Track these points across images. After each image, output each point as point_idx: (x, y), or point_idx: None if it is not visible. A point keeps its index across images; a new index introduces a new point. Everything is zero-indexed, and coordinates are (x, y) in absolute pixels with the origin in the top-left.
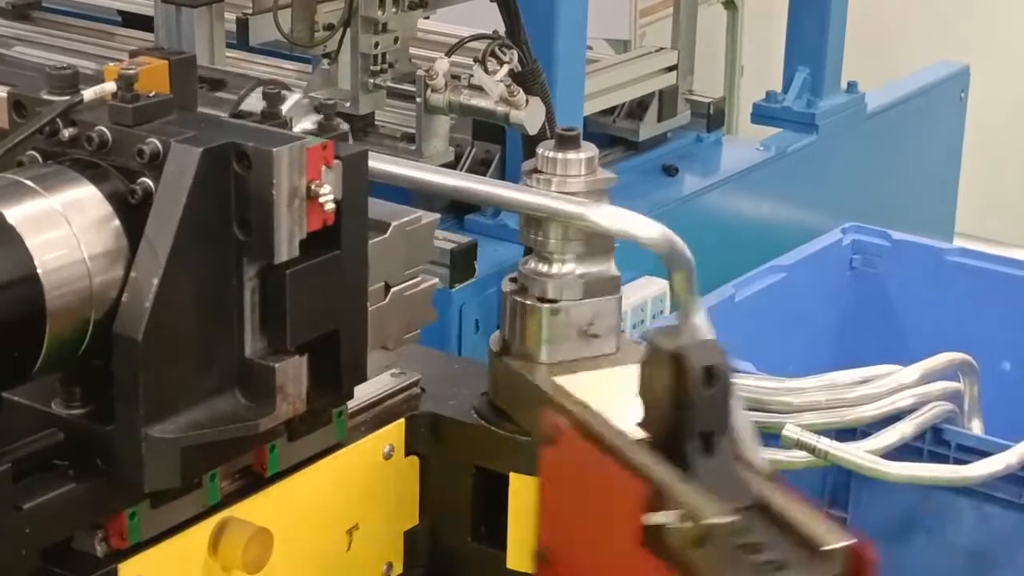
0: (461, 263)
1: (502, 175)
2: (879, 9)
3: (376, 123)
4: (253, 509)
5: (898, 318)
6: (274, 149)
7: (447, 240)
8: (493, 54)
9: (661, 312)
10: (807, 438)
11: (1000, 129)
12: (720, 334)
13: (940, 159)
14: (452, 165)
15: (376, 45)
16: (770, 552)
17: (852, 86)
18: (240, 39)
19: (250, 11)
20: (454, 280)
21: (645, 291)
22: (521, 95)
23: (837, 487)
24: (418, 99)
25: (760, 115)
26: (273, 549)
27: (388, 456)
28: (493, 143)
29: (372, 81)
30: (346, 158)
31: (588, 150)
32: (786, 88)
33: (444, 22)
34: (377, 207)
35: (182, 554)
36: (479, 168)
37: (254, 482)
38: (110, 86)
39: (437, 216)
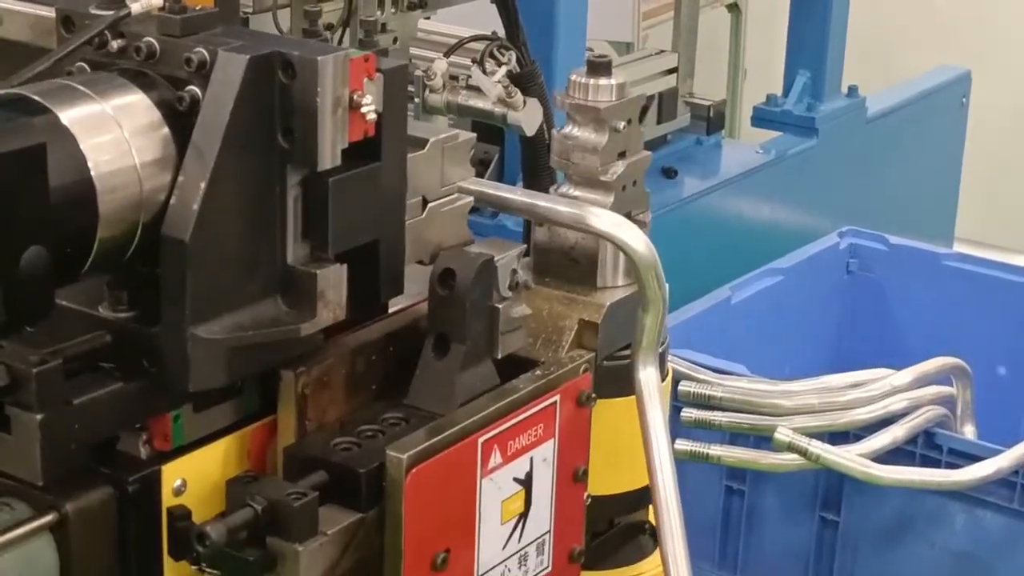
0: None
1: (500, 176)
2: (881, 13)
3: None
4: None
5: (894, 322)
6: (319, 58)
7: None
8: (492, 55)
9: None
10: (799, 441)
11: (1001, 135)
12: (716, 336)
13: (941, 164)
14: None
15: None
16: None
17: (853, 90)
18: None
19: (250, 10)
20: None
21: None
22: (519, 96)
23: (829, 490)
24: (416, 99)
25: (760, 118)
26: None
27: None
28: (491, 144)
29: None
30: (387, 71)
31: (619, 76)
32: (787, 91)
33: (443, 23)
34: (415, 125)
35: (223, 458)
36: (477, 169)
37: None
38: (157, 0)
39: (474, 136)
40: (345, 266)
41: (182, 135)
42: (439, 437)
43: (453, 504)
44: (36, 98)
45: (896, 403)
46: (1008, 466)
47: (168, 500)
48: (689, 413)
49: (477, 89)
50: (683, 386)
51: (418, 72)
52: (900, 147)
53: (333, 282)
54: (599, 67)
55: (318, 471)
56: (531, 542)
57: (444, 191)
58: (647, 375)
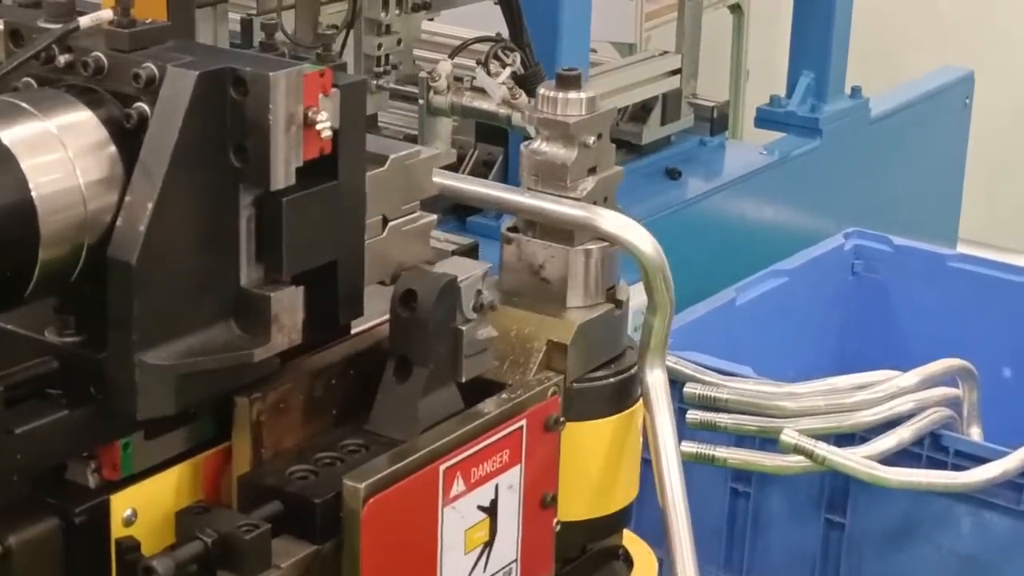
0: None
1: (504, 177)
2: (884, 14)
3: (379, 124)
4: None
5: (899, 323)
6: (271, 74)
7: (448, 241)
8: (496, 56)
9: None
10: (805, 443)
11: (1004, 135)
12: (721, 337)
13: (944, 165)
14: (455, 167)
15: (379, 47)
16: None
17: (856, 91)
18: (244, 40)
19: (254, 12)
20: None
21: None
22: (523, 97)
23: (835, 492)
24: (421, 101)
25: (764, 119)
26: None
27: None
28: (496, 145)
29: (375, 83)
30: (344, 87)
31: (589, 90)
32: (790, 92)
33: (447, 24)
34: (375, 142)
35: (175, 487)
36: (481, 170)
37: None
38: (107, 13)
39: (438, 152)
40: (301, 288)
41: (130, 153)
42: (398, 465)
43: (413, 535)
44: None
45: (902, 405)
46: (1015, 468)
47: (118, 531)
48: (694, 415)
49: (481, 90)
50: (688, 388)
51: (422, 74)
52: (904, 148)
53: (288, 305)
54: (569, 80)
55: (273, 501)
56: (497, 571)
57: (405, 209)
58: (655, 378)
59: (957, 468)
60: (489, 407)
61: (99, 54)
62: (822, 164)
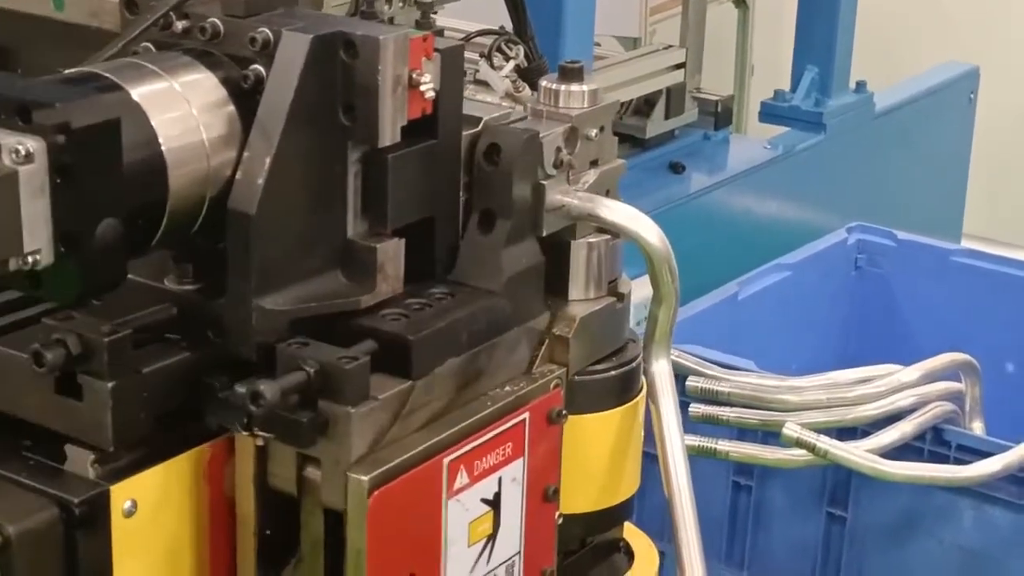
0: None
1: None
2: (889, 9)
3: None
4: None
5: (902, 318)
6: (380, 37)
7: None
8: (499, 50)
9: None
10: (807, 436)
11: (1009, 131)
12: (724, 331)
13: (948, 160)
14: None
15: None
16: None
17: (861, 86)
18: None
19: None
20: None
21: (647, 289)
22: (527, 91)
23: (837, 486)
24: None
25: (768, 114)
26: None
27: None
28: None
29: None
30: (445, 51)
31: (591, 82)
32: (794, 87)
33: (451, 17)
34: (469, 104)
35: (175, 478)
36: None
37: None
38: None
39: (526, 114)
40: (403, 240)
41: (247, 112)
42: (403, 457)
43: (418, 527)
44: (107, 75)
45: (904, 399)
46: (1017, 462)
47: (118, 522)
48: (697, 408)
49: (485, 83)
50: (691, 381)
51: None
52: (908, 143)
53: (392, 255)
54: (571, 73)
55: (367, 340)
56: (500, 564)
57: None
58: (659, 368)
59: (959, 462)
60: (492, 400)
61: (215, 20)
62: (826, 159)
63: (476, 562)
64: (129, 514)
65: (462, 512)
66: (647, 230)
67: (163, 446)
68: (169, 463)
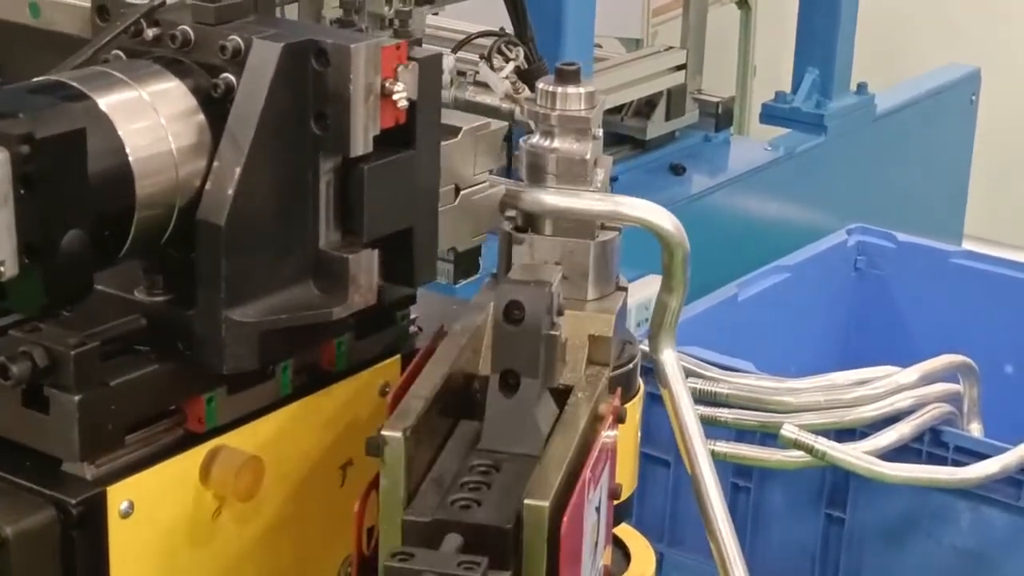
0: (464, 260)
1: (508, 172)
2: (890, 10)
3: None
4: (248, 438)
5: (902, 320)
6: (352, 45)
7: None
8: (499, 51)
9: None
10: (805, 438)
11: (1010, 132)
12: (723, 333)
13: (949, 162)
14: None
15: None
16: None
17: (862, 87)
18: None
19: None
20: (458, 276)
21: (649, 289)
22: (527, 92)
23: (835, 487)
24: None
25: (769, 115)
26: (266, 479)
27: (383, 392)
28: None
29: None
30: (421, 60)
31: (588, 84)
32: (795, 88)
33: (451, 18)
34: (449, 113)
35: (172, 479)
36: None
37: (252, 413)
38: None
39: (506, 124)
40: (376, 251)
41: (217, 121)
42: (562, 475)
43: (581, 544)
44: (75, 84)
45: (902, 401)
46: (1014, 464)
47: (115, 523)
48: (696, 409)
49: (484, 85)
50: (689, 383)
51: None
52: (909, 144)
53: (365, 267)
54: (567, 75)
55: (450, 535)
56: (597, 567)
57: (476, 179)
58: (668, 356)
59: (957, 464)
60: (578, 410)
61: (185, 27)
62: (827, 160)
63: (592, 569)
64: (126, 515)
65: (592, 522)
66: (663, 219)
67: (160, 447)
68: (166, 464)
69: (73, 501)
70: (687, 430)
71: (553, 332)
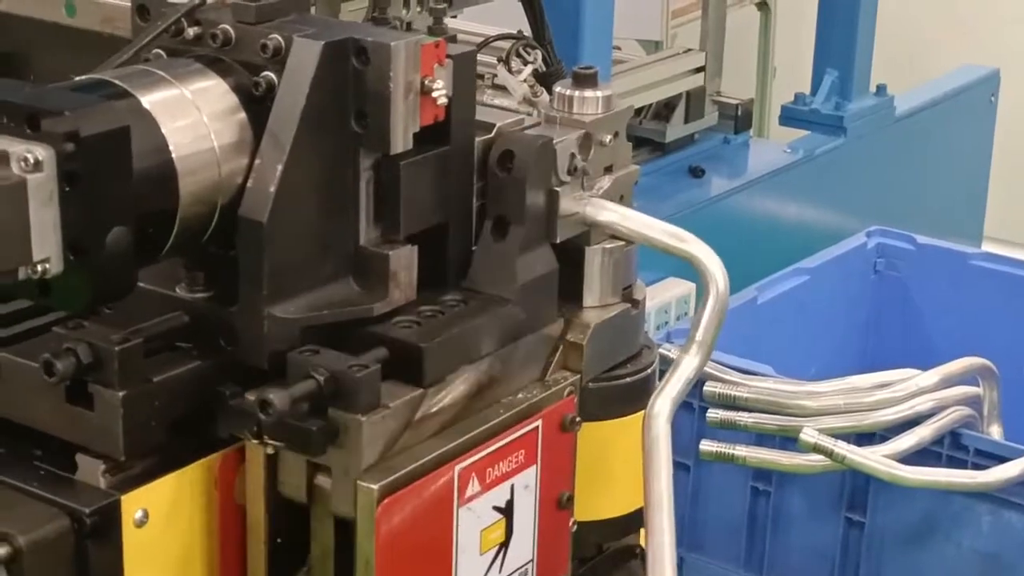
0: None
1: None
2: (909, 12)
3: None
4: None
5: (921, 322)
6: (392, 43)
7: None
8: (517, 54)
9: (685, 314)
10: (825, 442)
11: None
12: (742, 336)
13: (969, 163)
14: None
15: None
16: None
17: (881, 89)
18: None
19: None
20: None
21: (669, 293)
22: (545, 95)
23: (855, 491)
24: None
25: (788, 117)
26: None
27: None
28: None
29: None
30: (457, 57)
31: (605, 88)
32: (815, 90)
33: (469, 21)
34: (482, 110)
35: (187, 488)
36: None
37: None
38: None
39: (539, 120)
40: (416, 247)
41: (258, 119)
42: (413, 465)
43: (429, 535)
44: (118, 82)
45: (922, 404)
46: None
47: (129, 531)
48: (715, 414)
49: (503, 88)
50: (709, 387)
51: None
52: (928, 146)
53: (404, 263)
54: (584, 78)
55: (378, 347)
56: (513, 572)
57: None
58: (661, 427)
59: (977, 467)
60: (504, 408)
61: (226, 26)
62: (846, 162)
63: (488, 570)
64: (140, 524)
65: (474, 520)
66: (717, 269)
67: (174, 455)
68: (180, 472)
69: (87, 510)
70: (657, 501)
71: (554, 187)
